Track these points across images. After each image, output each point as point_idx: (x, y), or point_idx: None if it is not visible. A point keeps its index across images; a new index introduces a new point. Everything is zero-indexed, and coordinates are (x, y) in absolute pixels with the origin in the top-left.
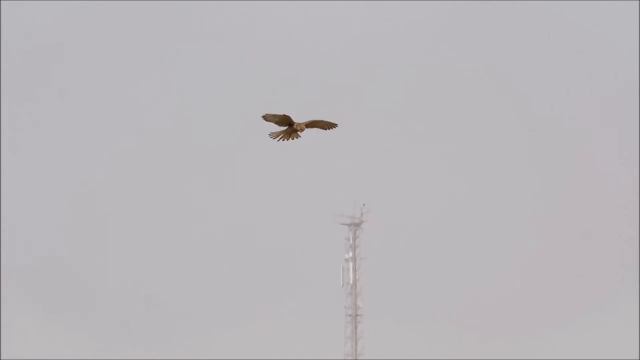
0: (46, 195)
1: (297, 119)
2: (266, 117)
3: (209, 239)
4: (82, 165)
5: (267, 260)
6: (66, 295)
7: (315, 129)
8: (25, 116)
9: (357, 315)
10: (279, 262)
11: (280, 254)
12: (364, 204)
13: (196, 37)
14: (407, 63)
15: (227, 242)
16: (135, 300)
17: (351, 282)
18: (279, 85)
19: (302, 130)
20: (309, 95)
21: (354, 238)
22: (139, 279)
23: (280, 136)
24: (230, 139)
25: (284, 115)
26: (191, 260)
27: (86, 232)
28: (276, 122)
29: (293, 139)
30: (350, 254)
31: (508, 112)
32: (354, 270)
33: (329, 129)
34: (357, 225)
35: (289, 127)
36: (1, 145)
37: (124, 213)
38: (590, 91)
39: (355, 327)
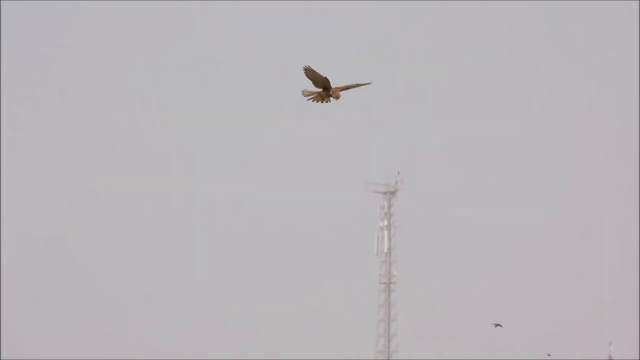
0: (46, 193)
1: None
2: (307, 70)
3: (244, 206)
4: (81, 164)
5: (301, 229)
6: (66, 293)
7: (350, 89)
8: (25, 116)
9: (390, 283)
10: (313, 230)
11: (315, 223)
12: (398, 173)
13: (194, 37)
14: (442, 38)
15: (261, 210)
16: (137, 293)
17: (386, 250)
18: (310, 53)
19: (337, 97)
20: (340, 66)
21: (389, 206)
22: (151, 269)
23: (312, 97)
24: (259, 113)
25: (325, 77)
26: (227, 228)
27: (86, 229)
28: (314, 80)
29: (324, 102)
30: (385, 223)
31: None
32: (389, 238)
33: (362, 86)
34: (392, 193)
35: (323, 91)
36: (1, 144)
37: (126, 211)
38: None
39: (389, 295)
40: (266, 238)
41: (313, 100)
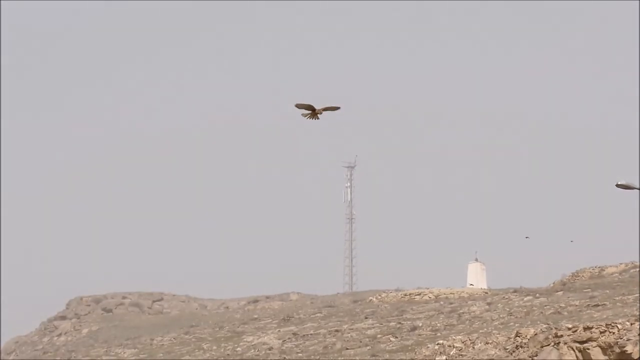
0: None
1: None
2: (297, 105)
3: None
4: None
5: (301, 187)
6: None
7: (328, 111)
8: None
9: (352, 218)
10: (308, 187)
11: (308, 183)
12: (356, 155)
13: (193, 41)
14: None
15: (272, 176)
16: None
17: (349, 199)
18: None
19: (320, 113)
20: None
21: (351, 174)
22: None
23: (308, 116)
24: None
25: (309, 105)
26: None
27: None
28: (304, 108)
29: (314, 118)
30: (348, 184)
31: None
32: (351, 192)
33: (336, 109)
34: (352, 167)
35: (313, 111)
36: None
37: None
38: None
39: (351, 226)
40: (277, 192)
41: (310, 118)
